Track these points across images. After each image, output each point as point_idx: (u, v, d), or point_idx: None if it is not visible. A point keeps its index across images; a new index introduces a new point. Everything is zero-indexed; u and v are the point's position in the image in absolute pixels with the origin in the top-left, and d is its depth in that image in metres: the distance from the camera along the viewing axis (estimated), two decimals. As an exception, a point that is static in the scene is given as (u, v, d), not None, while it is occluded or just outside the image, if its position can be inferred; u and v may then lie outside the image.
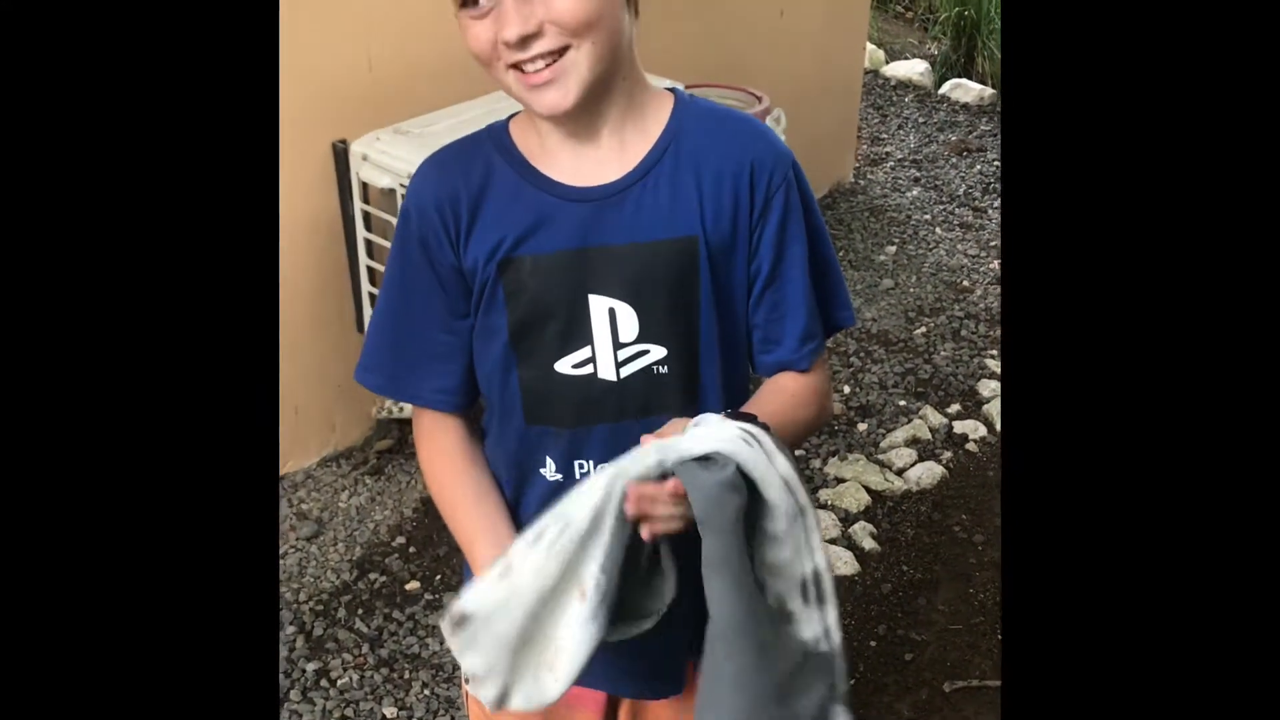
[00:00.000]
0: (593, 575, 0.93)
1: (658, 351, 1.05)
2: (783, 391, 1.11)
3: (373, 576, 2.26)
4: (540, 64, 0.95)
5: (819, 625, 0.96)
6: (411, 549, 2.34)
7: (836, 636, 0.96)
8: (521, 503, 1.13)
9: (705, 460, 0.90)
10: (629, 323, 1.04)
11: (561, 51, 0.95)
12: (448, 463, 1.12)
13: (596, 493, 0.92)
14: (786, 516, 0.92)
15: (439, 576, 2.27)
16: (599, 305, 1.03)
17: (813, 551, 0.94)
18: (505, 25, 0.93)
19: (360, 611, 2.18)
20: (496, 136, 1.07)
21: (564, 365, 1.05)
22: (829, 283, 1.12)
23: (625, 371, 1.05)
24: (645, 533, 0.93)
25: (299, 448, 2.53)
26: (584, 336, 1.04)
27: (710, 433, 0.92)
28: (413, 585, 2.24)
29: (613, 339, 1.04)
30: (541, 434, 1.08)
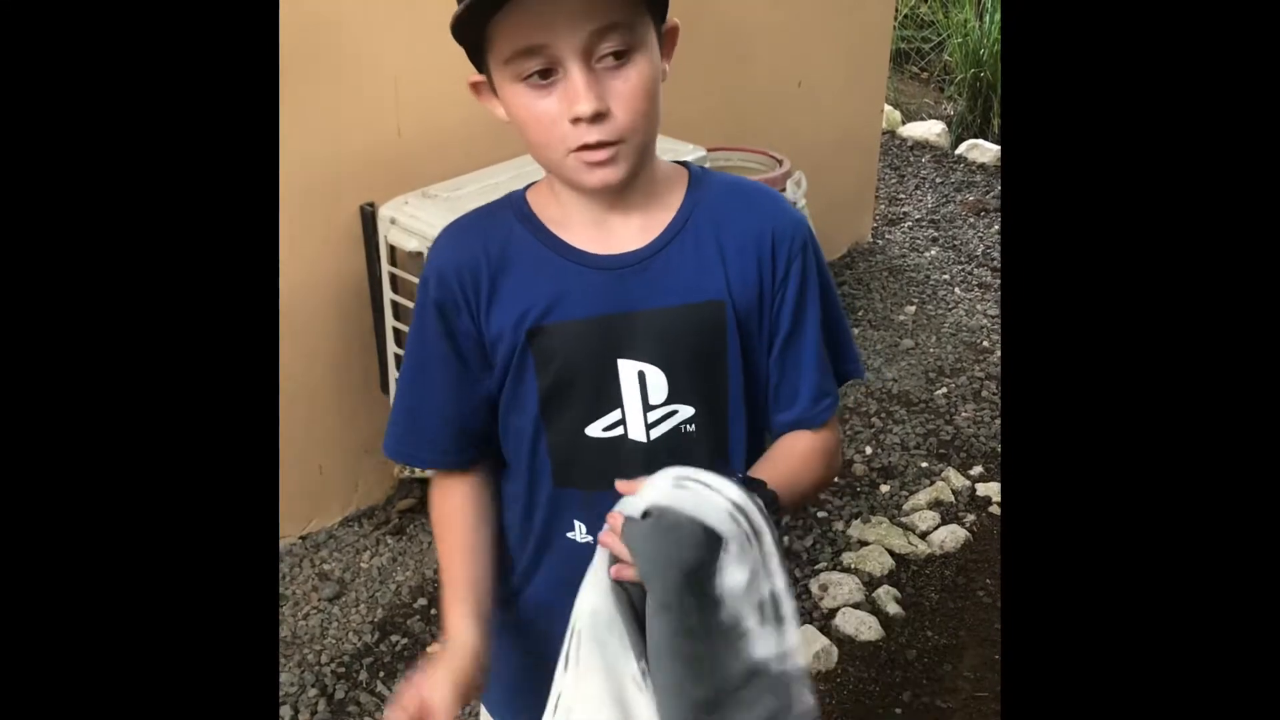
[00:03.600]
0: (633, 667, 0.95)
1: (686, 411, 1.07)
2: (792, 453, 1.13)
3: (394, 638, 2.26)
4: (604, 146, 0.97)
5: (774, 645, 0.96)
6: (433, 611, 2.33)
7: (797, 661, 0.96)
8: (542, 565, 1.14)
9: (645, 516, 0.94)
10: (658, 385, 1.06)
11: (621, 136, 0.98)
12: (452, 521, 1.14)
13: (591, 590, 0.97)
14: (737, 541, 0.93)
15: (460, 639, 2.25)
16: (628, 369, 1.05)
17: (771, 575, 0.95)
18: (577, 101, 0.94)
19: (382, 674, 2.17)
20: (516, 206, 1.09)
21: (595, 429, 1.07)
22: (839, 341, 1.16)
23: (655, 433, 1.07)
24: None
25: (322, 507, 2.54)
26: (614, 400, 1.06)
27: (646, 490, 0.95)
28: (434, 648, 2.23)
29: (643, 401, 1.06)
30: (570, 497, 1.10)
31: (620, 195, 1.04)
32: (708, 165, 2.54)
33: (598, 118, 0.95)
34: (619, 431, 1.07)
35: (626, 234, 1.06)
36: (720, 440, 1.10)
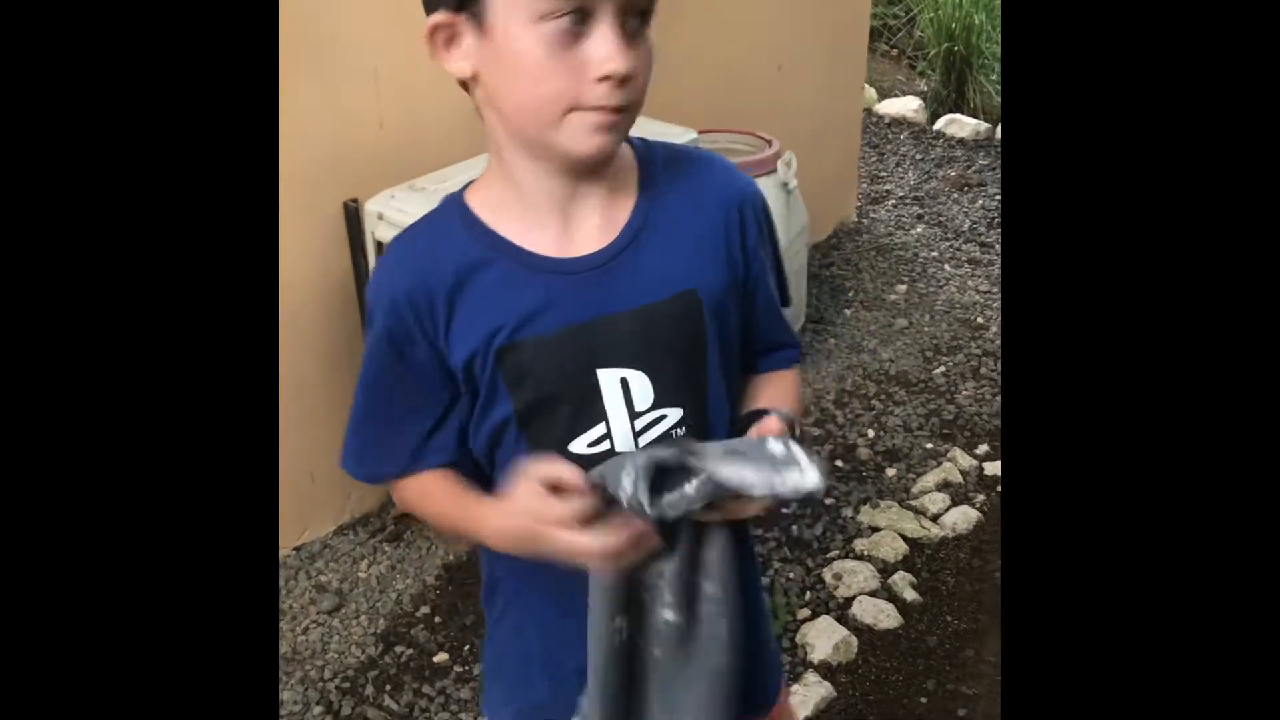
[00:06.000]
0: None
1: (674, 414, 1.00)
2: (791, 386, 1.15)
3: (399, 649, 2.18)
4: (617, 110, 0.90)
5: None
6: (437, 619, 2.25)
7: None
8: (535, 588, 1.07)
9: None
10: (643, 390, 0.98)
11: (631, 104, 0.91)
12: (436, 481, 1.05)
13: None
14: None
15: (467, 647, 2.18)
16: (609, 378, 0.98)
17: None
18: (613, 58, 0.86)
19: (389, 687, 2.09)
20: (460, 214, 1.00)
21: (578, 445, 0.99)
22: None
23: (644, 440, 1.00)
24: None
25: (315, 516, 2.45)
26: (597, 414, 0.98)
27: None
28: (441, 657, 2.16)
29: (628, 410, 0.99)
30: None
31: (587, 179, 0.97)
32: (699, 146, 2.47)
33: (623, 81, 0.88)
34: (604, 447, 0.99)
35: (589, 230, 0.98)
36: (706, 438, 1.02)
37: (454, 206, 1.00)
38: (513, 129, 0.93)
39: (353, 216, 2.26)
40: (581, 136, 0.90)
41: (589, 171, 0.96)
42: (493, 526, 0.98)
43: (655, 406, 0.99)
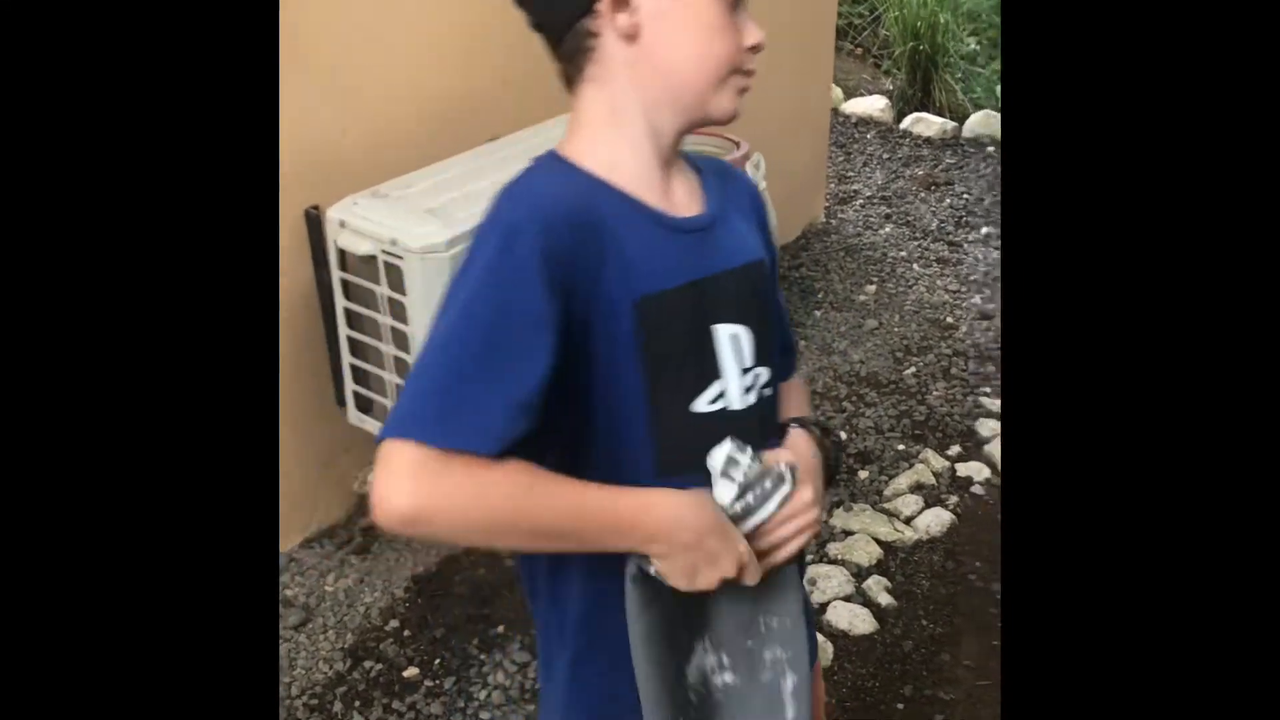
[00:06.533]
0: None
1: (765, 373, 1.05)
2: (800, 388, 1.20)
3: (368, 664, 2.13)
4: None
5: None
6: (406, 633, 2.21)
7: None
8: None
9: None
10: (749, 346, 1.03)
11: None
12: (530, 473, 0.88)
13: None
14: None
15: (438, 661, 2.14)
16: (723, 334, 1.02)
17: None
18: (754, 33, 0.98)
19: (358, 704, 2.05)
20: (568, 166, 0.98)
21: (700, 404, 1.00)
22: None
23: (750, 398, 1.03)
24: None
25: (280, 529, 2.40)
26: (716, 369, 1.01)
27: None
28: (411, 672, 2.12)
29: (739, 366, 1.02)
30: (676, 485, 0.96)
31: (676, 151, 1.02)
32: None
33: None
34: (721, 404, 1.01)
35: (682, 195, 1.03)
36: (777, 400, 1.09)
37: (558, 162, 1.00)
38: (673, 85, 0.98)
39: (314, 224, 2.21)
40: (731, 98, 0.99)
41: (676, 149, 1.02)
42: (673, 507, 0.92)
43: (756, 364, 1.03)
